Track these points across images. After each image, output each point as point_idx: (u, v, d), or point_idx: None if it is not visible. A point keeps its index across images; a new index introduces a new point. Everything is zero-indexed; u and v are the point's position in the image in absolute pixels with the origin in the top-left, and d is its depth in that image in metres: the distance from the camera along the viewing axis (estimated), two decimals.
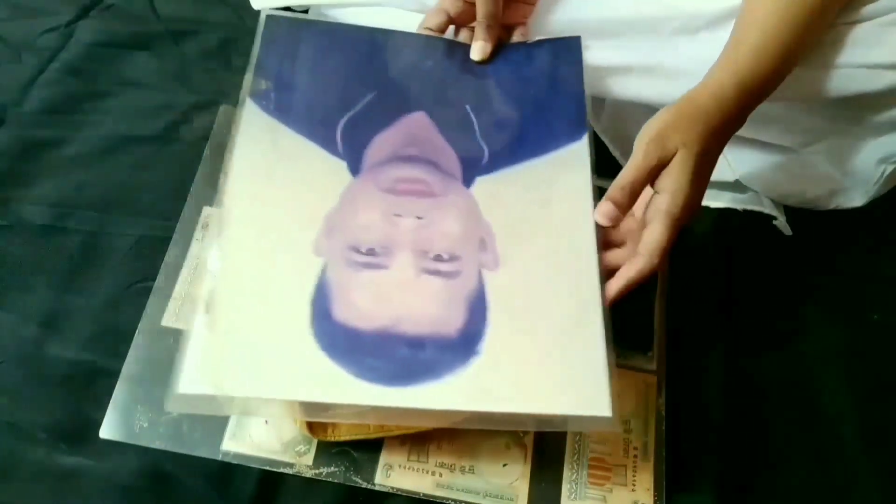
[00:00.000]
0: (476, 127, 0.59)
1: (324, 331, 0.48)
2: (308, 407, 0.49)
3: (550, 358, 0.48)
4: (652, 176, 0.51)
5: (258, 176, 0.55)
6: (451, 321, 0.49)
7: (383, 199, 0.54)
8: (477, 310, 0.50)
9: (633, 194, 0.51)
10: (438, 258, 0.52)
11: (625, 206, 0.51)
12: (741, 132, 0.64)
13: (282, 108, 0.57)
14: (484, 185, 0.56)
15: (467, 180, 0.56)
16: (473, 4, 0.60)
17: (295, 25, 0.62)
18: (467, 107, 0.60)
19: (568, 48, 0.63)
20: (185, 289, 0.60)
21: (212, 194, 0.64)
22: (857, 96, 0.57)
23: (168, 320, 0.59)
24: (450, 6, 0.61)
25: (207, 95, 0.74)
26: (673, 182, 0.51)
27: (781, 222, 0.69)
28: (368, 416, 0.49)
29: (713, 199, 0.69)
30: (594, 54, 0.64)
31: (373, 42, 0.63)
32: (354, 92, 0.59)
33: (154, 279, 0.61)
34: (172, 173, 0.68)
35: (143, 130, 0.71)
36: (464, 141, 0.58)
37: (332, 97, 0.59)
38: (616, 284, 0.51)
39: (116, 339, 0.59)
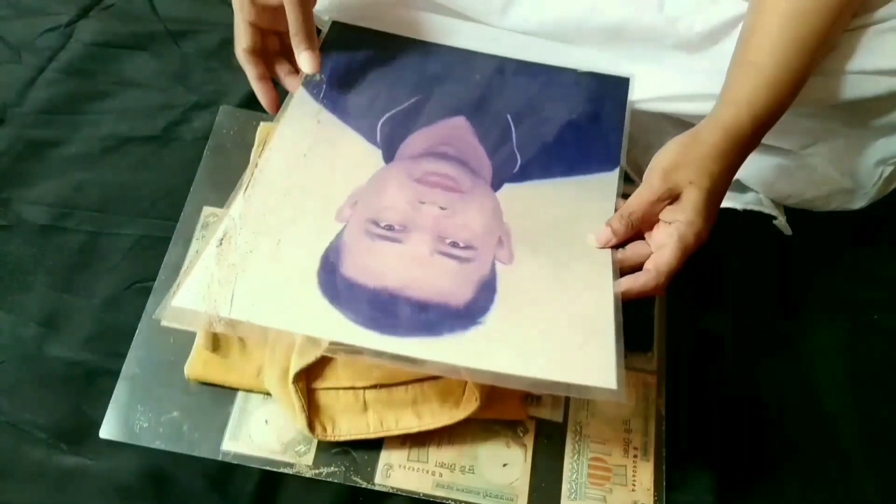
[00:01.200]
0: (514, 136, 0.61)
1: (329, 280, 0.50)
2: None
3: (555, 334, 0.49)
4: (657, 209, 0.53)
5: (296, 148, 0.58)
6: (458, 296, 0.50)
7: (411, 186, 0.56)
8: (486, 292, 0.51)
9: (634, 224, 0.53)
10: (454, 244, 0.53)
11: (622, 235, 0.53)
12: None
13: (330, 97, 0.62)
14: (511, 191, 0.57)
15: (496, 184, 0.58)
16: (275, 9, 0.58)
17: (356, 32, 0.66)
18: (508, 116, 0.63)
19: (617, 86, 0.65)
20: None
21: (212, 194, 0.65)
22: (855, 101, 0.57)
23: None
24: (254, 19, 0.59)
25: (207, 95, 0.74)
26: (685, 216, 0.51)
27: (781, 222, 0.69)
28: (359, 357, 0.49)
29: None
30: (597, 60, 0.64)
31: (426, 53, 0.67)
32: (401, 94, 0.63)
33: (154, 279, 0.61)
34: (172, 173, 0.68)
35: (143, 130, 0.71)
36: (499, 147, 0.60)
37: (379, 95, 0.63)
38: (615, 290, 0.52)
39: (116, 339, 0.59)
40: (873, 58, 0.56)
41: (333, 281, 0.50)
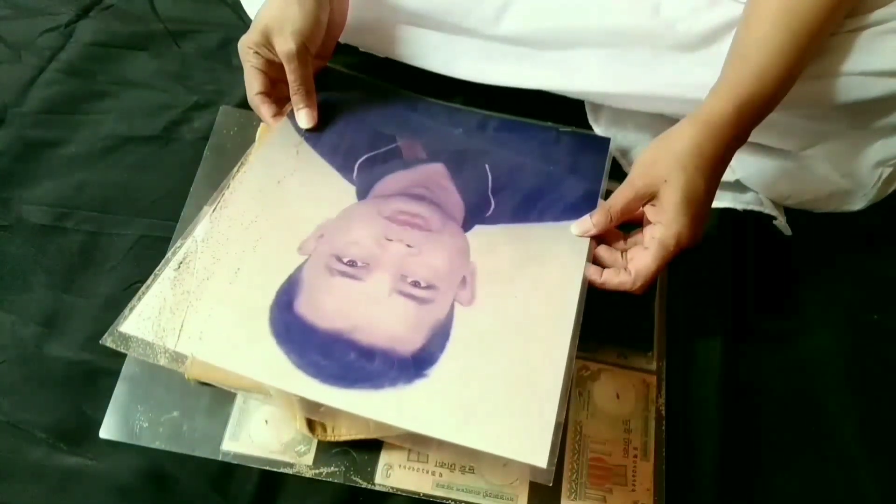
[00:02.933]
0: (490, 182, 0.62)
1: (280, 318, 0.50)
2: (241, 380, 0.50)
3: (500, 398, 0.48)
4: (636, 205, 0.54)
5: (271, 174, 0.59)
6: (408, 342, 0.50)
7: (379, 222, 0.57)
8: (438, 338, 0.51)
9: (614, 218, 0.55)
10: (415, 284, 0.53)
11: (601, 227, 0.55)
12: None
13: (312, 133, 0.63)
14: (481, 232, 0.58)
15: (467, 226, 0.58)
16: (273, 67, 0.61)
17: (345, 77, 0.69)
18: (486, 165, 0.63)
19: (597, 146, 0.66)
20: None
21: (212, 194, 0.65)
22: (855, 103, 0.57)
23: None
24: (261, 67, 0.61)
25: (207, 95, 0.74)
26: (665, 217, 0.52)
27: (781, 222, 0.69)
28: (299, 406, 0.51)
29: (714, 200, 0.69)
30: (593, 64, 0.64)
31: (411, 105, 0.68)
32: (383, 139, 0.64)
33: None
34: (172, 173, 0.68)
35: (143, 130, 0.71)
36: (474, 193, 0.61)
37: (360, 139, 0.64)
38: (594, 275, 0.54)
39: None
40: (872, 59, 0.56)
41: (285, 318, 0.50)
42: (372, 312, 0.52)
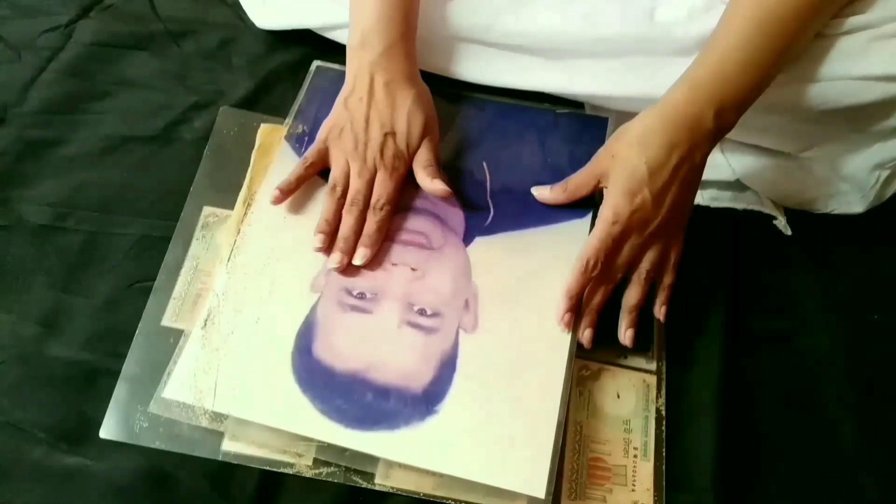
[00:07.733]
0: (488, 185, 0.62)
1: (302, 365, 0.53)
2: (275, 434, 0.52)
3: (502, 432, 0.51)
4: (589, 180, 0.58)
5: (278, 210, 0.60)
6: (419, 377, 0.53)
7: (384, 246, 0.58)
8: (446, 370, 0.53)
9: (570, 191, 0.58)
10: (422, 312, 0.55)
11: (557, 199, 0.59)
12: (738, 138, 0.64)
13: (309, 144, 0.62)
14: (481, 245, 0.59)
15: (467, 238, 0.59)
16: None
17: (340, 76, 0.65)
18: (484, 164, 0.63)
19: (596, 127, 0.66)
20: (185, 289, 0.60)
21: (212, 194, 0.65)
22: (852, 106, 0.58)
23: (168, 320, 0.59)
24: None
25: (207, 95, 0.74)
26: (607, 191, 0.55)
27: (781, 222, 0.69)
28: (328, 453, 0.53)
29: (713, 200, 0.69)
30: (591, 69, 0.64)
31: None
32: None
33: (154, 279, 0.61)
34: (172, 173, 0.68)
35: (143, 130, 0.71)
36: (473, 198, 0.61)
37: None
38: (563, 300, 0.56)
39: (116, 339, 0.59)
40: (867, 63, 0.56)
41: (306, 364, 0.53)
42: (384, 348, 0.54)
